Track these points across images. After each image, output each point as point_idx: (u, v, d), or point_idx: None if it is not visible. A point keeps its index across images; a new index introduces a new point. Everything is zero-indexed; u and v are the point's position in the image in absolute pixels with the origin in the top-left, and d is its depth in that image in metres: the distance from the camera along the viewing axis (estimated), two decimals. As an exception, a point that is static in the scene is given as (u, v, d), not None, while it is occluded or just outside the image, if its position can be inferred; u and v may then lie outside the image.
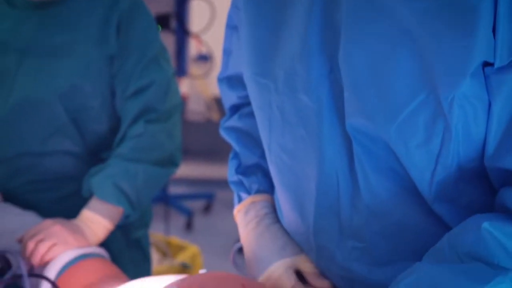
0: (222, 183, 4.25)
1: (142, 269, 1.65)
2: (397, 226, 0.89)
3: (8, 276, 1.22)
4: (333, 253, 0.95)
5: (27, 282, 1.19)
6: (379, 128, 0.80)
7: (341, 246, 0.93)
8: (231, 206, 1.23)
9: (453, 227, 0.83)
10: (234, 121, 1.19)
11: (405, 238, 0.89)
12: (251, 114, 1.09)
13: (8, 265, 1.28)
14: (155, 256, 2.28)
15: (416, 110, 0.77)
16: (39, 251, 1.27)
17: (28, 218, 1.45)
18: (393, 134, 0.79)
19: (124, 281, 1.23)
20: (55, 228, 1.31)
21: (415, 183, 0.83)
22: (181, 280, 0.98)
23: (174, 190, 4.06)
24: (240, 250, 1.16)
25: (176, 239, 2.48)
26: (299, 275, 1.03)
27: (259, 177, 1.16)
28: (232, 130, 1.19)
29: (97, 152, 1.55)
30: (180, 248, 2.38)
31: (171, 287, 0.93)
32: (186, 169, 3.44)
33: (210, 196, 4.18)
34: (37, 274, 1.24)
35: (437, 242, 0.82)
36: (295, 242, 1.04)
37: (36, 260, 1.27)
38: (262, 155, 1.11)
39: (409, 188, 0.85)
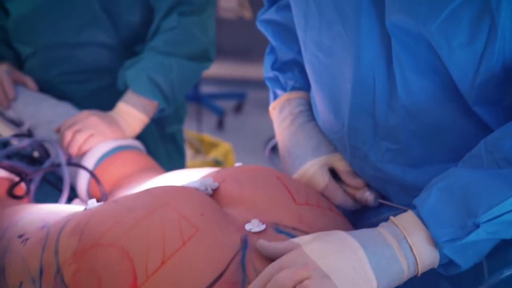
0: (254, 83, 4.24)
1: (177, 163, 1.68)
2: (433, 127, 0.87)
3: (47, 164, 1.25)
4: (367, 154, 0.94)
5: (66, 170, 1.21)
6: (421, 25, 0.77)
7: (375, 147, 0.93)
8: (262, 106, 1.22)
9: (492, 129, 0.81)
10: (271, 14, 1.15)
11: (442, 139, 0.88)
12: (290, 6, 1.06)
13: (46, 154, 1.31)
14: (188, 152, 2.31)
15: (461, 5, 0.73)
16: (76, 141, 1.29)
17: (63, 108, 1.47)
18: (436, 31, 0.76)
19: (160, 173, 1.25)
20: (92, 119, 1.32)
21: (456, 83, 0.80)
22: (216, 172, 0.99)
23: (206, 89, 4.07)
24: (275, 147, 1.16)
25: (208, 136, 2.51)
26: (333, 174, 1.03)
27: (295, 73, 1.14)
28: (269, 23, 1.16)
29: (131, 45, 1.54)
30: (212, 145, 2.41)
31: (207, 179, 0.95)
32: (218, 68, 3.42)
33: (242, 96, 4.18)
34: (75, 163, 1.26)
35: (474, 144, 0.80)
36: (330, 141, 1.04)
37: (73, 150, 1.30)
38: (299, 51, 1.08)
39: (449, 89, 0.82)
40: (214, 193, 0.93)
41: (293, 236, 0.84)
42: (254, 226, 0.84)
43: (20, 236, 0.91)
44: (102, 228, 0.80)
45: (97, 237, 0.79)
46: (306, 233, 0.85)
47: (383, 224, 0.79)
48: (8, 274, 0.88)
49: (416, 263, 0.76)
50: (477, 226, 0.73)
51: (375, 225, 0.99)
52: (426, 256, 0.76)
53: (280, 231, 0.85)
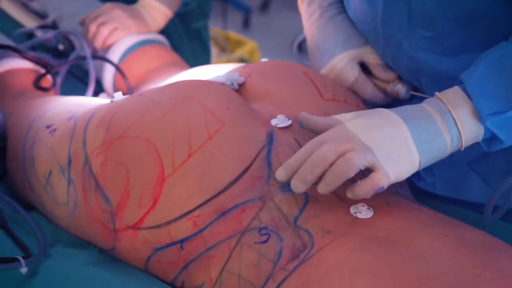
0: (281, -20, 4.10)
1: (202, 61, 1.66)
2: (472, 13, 0.83)
3: (72, 57, 1.24)
4: (401, 42, 0.91)
5: (91, 63, 1.21)
6: None
7: (409, 35, 0.89)
8: (289, 5, 1.18)
9: None
10: None
11: (479, 26, 0.84)
12: None
13: (71, 47, 1.30)
14: (213, 50, 2.28)
15: None
16: (101, 33, 1.27)
17: (87, 1, 1.44)
18: None
19: (185, 69, 1.25)
20: (116, 12, 1.30)
21: None
22: (242, 67, 0.97)
23: (231, -14, 3.96)
24: (303, 44, 1.13)
25: (234, 34, 2.47)
26: (364, 67, 1.01)
27: (324, -36, 1.09)
28: None
29: None
30: (238, 43, 2.37)
31: (233, 73, 0.93)
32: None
33: (268, -6, 4.07)
34: (100, 56, 1.26)
35: None
36: (360, 33, 1.01)
37: (98, 42, 1.28)
38: None
39: None
40: (240, 88, 0.92)
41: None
42: (280, 121, 0.83)
43: (48, 127, 0.92)
44: (128, 120, 0.80)
45: (124, 129, 0.80)
46: None
47: (427, 100, 0.78)
48: (37, 163, 0.90)
49: (460, 137, 0.75)
50: None
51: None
52: (469, 129, 0.75)
53: (305, 127, 0.84)
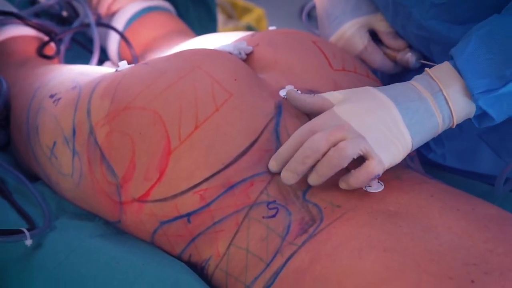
0: None
1: (208, 28, 1.63)
2: None
3: (76, 24, 1.21)
4: (410, 10, 0.88)
5: (95, 30, 1.18)
6: None
7: (419, 3, 0.87)
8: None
9: None
10: None
11: None
12: None
13: (75, 14, 1.28)
14: (220, 17, 2.24)
15: None
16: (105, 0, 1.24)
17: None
18: None
19: (191, 37, 1.22)
20: (120, -22, 1.27)
21: None
22: (250, 35, 0.95)
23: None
24: (313, 10, 1.11)
25: (241, 1, 2.42)
26: (373, 36, 0.98)
27: None
28: None
29: None
30: (245, 10, 2.33)
31: (240, 42, 0.91)
32: None
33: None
34: (105, 23, 1.23)
35: None
36: (370, 0, 0.98)
37: (102, 9, 1.26)
38: None
39: None
40: (247, 58, 0.90)
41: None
42: (288, 92, 0.81)
43: (51, 96, 0.90)
44: (133, 91, 0.78)
45: (129, 100, 0.78)
46: None
47: (417, 77, 0.77)
48: (41, 133, 0.88)
49: (452, 115, 0.74)
50: None
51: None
52: (461, 107, 0.74)
53: (315, 98, 0.82)
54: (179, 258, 0.77)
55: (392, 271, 0.61)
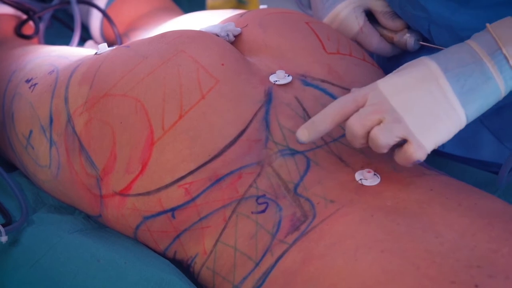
0: None
1: (197, 3, 1.57)
2: None
3: (56, 1, 1.16)
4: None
5: (76, 8, 1.13)
6: None
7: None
8: None
9: None
10: None
11: None
12: None
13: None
14: (209, -10, 2.18)
15: None
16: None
17: None
18: None
19: (177, 14, 1.17)
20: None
21: None
22: (239, 15, 0.90)
23: None
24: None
25: (231, -27, 2.36)
26: (369, 16, 0.93)
27: None
28: None
29: None
30: (235, -17, 2.27)
31: (228, 23, 0.86)
32: None
33: None
34: (86, 1, 1.18)
35: None
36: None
37: (84, -15, 1.20)
38: None
39: None
40: (236, 40, 0.85)
41: (322, 90, 0.77)
42: (279, 78, 0.77)
43: (28, 81, 0.85)
44: (114, 76, 0.74)
45: (109, 86, 0.73)
46: (336, 85, 0.78)
47: (476, 34, 0.70)
48: (17, 121, 0.84)
49: None
50: None
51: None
52: None
53: (307, 84, 0.77)
54: (163, 255, 0.73)
55: (390, 274, 0.58)
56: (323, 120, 0.67)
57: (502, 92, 0.68)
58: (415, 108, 0.65)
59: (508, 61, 0.67)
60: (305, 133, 0.67)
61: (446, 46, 0.84)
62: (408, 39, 0.90)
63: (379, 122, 0.65)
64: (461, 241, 0.60)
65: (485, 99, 0.67)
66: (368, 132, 0.66)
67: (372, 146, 0.66)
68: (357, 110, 0.67)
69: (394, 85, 0.66)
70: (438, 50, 0.86)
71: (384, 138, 0.64)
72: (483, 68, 0.67)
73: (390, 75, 0.68)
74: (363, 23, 0.91)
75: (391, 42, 0.93)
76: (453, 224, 0.62)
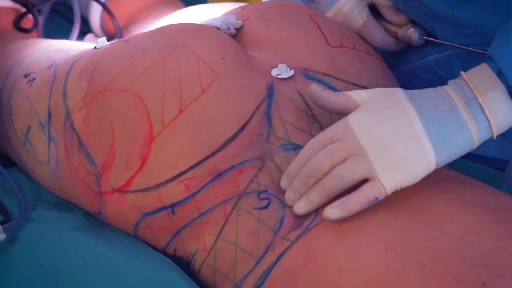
0: None
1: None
2: None
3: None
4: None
5: (75, 1, 1.12)
6: None
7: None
8: None
9: None
10: None
11: None
12: None
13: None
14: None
15: None
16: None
17: None
18: None
19: (178, 8, 1.16)
20: None
21: None
22: (241, 8, 0.88)
23: None
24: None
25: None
26: (373, 10, 0.92)
27: None
28: None
29: None
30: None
31: (230, 16, 0.84)
32: None
33: None
34: (86, -6, 1.16)
35: None
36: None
37: (84, -22, 1.19)
38: None
39: None
40: (237, 33, 0.83)
41: (325, 83, 0.75)
42: (281, 71, 0.75)
43: (26, 75, 0.84)
44: (113, 71, 0.73)
45: (108, 81, 0.72)
46: (339, 79, 0.77)
47: (451, 81, 0.68)
48: (15, 117, 0.82)
49: (490, 126, 0.65)
50: None
51: (417, 68, 0.90)
52: (503, 116, 0.66)
53: (310, 78, 0.76)
54: (163, 251, 0.72)
55: (394, 272, 0.57)
56: (296, 166, 0.66)
57: (476, 142, 0.66)
58: (385, 147, 0.63)
59: (483, 111, 0.65)
60: (285, 182, 0.67)
61: (450, 42, 0.84)
62: (413, 34, 0.89)
63: (345, 159, 0.63)
64: (466, 238, 0.59)
65: (458, 148, 0.65)
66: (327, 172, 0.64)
67: (333, 182, 0.64)
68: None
69: (365, 121, 0.64)
70: (442, 45, 0.86)
71: (348, 175, 0.63)
72: (458, 116, 0.65)
73: (361, 110, 0.66)
74: (366, 18, 0.90)
75: (394, 36, 0.91)
76: (459, 220, 0.61)
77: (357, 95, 0.67)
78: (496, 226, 0.60)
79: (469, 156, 0.91)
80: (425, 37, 0.89)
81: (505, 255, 0.57)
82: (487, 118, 0.65)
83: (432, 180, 0.66)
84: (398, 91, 0.67)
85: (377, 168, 0.62)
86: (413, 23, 0.90)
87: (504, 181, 0.78)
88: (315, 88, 0.69)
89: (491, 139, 0.67)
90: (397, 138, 0.63)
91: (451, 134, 0.64)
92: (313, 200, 0.65)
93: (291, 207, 0.67)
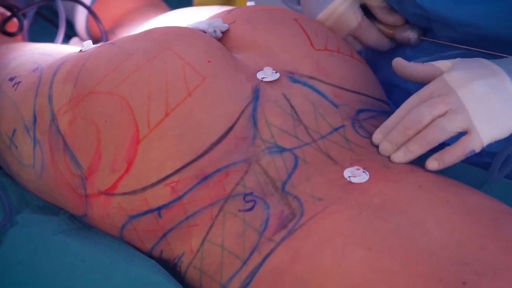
0: None
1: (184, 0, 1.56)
2: None
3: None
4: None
5: (60, 5, 1.12)
6: None
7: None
8: None
9: None
10: None
11: None
12: None
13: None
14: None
15: None
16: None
17: None
18: None
19: (164, 11, 1.17)
20: None
21: None
22: (227, 12, 0.89)
23: None
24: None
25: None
26: (366, 11, 0.92)
27: None
28: None
29: None
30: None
31: (215, 20, 0.85)
32: None
33: None
34: (71, -3, 1.16)
35: None
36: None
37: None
38: None
39: None
40: (223, 37, 0.84)
41: (310, 87, 0.76)
42: (267, 74, 0.76)
43: (11, 79, 0.84)
44: (98, 74, 0.73)
45: (94, 84, 0.72)
46: (324, 82, 0.77)
47: None
48: (1, 120, 0.82)
49: None
50: None
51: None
52: None
53: (295, 81, 0.77)
54: (149, 254, 0.72)
55: (378, 273, 0.57)
56: (393, 122, 0.70)
57: None
58: (481, 101, 0.68)
59: None
60: (379, 136, 0.72)
61: (448, 41, 0.86)
62: (411, 35, 0.90)
63: (445, 113, 0.68)
64: (449, 238, 0.59)
65: None
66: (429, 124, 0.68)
67: (434, 133, 0.68)
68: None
69: (461, 77, 0.69)
70: (440, 45, 0.87)
71: (448, 127, 0.67)
72: None
73: (455, 69, 0.70)
74: (361, 19, 0.90)
75: (389, 36, 0.92)
76: (441, 221, 0.61)
77: (442, 63, 0.72)
78: (478, 226, 0.61)
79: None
80: (423, 38, 0.90)
81: (486, 254, 0.57)
82: None
83: (416, 183, 0.67)
84: (481, 58, 0.72)
85: (475, 120, 0.67)
86: (408, 22, 0.90)
87: (490, 178, 0.80)
88: (400, 60, 0.74)
89: None
90: (493, 93, 0.68)
91: None
92: (413, 150, 0.69)
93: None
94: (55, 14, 1.21)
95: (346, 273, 0.58)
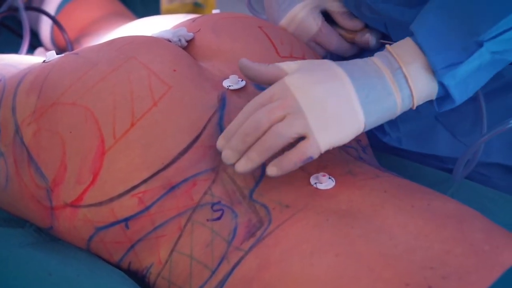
0: None
1: (151, 7, 1.56)
2: None
3: (3, 8, 1.13)
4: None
5: (24, 15, 1.10)
6: None
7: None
8: None
9: None
10: None
11: None
12: None
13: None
14: (164, -6, 2.16)
15: None
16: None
17: None
18: None
19: (130, 20, 1.16)
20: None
21: None
22: (192, 20, 0.89)
23: None
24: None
25: (187, -23, 2.34)
26: (326, 17, 0.93)
27: None
28: None
29: None
30: (191, -13, 2.25)
31: (180, 28, 0.85)
32: None
33: None
34: (35, 7, 1.15)
35: None
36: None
37: (33, -9, 1.18)
38: None
39: None
40: (188, 45, 0.84)
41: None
42: (232, 82, 0.76)
43: (-26, 91, 0.82)
44: (62, 85, 0.72)
45: (58, 95, 0.72)
46: None
47: (377, 53, 0.72)
48: (-37, 132, 0.81)
49: (412, 95, 0.70)
50: (480, 45, 0.68)
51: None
52: (422, 87, 0.70)
53: (260, 88, 0.77)
54: (118, 266, 0.72)
55: (346, 278, 0.58)
56: (235, 127, 0.67)
57: (398, 110, 0.70)
58: (319, 105, 0.65)
59: (406, 80, 0.69)
60: (222, 142, 0.67)
61: None
62: (370, 38, 0.91)
63: (283, 118, 0.65)
64: (414, 242, 0.60)
65: (383, 113, 0.69)
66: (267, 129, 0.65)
67: (271, 139, 0.65)
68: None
69: (300, 81, 0.67)
70: None
71: (285, 133, 0.64)
72: (385, 83, 0.68)
73: (296, 72, 0.68)
74: (321, 24, 0.91)
75: (350, 41, 0.93)
76: (407, 225, 0.62)
77: (287, 65, 0.69)
78: (443, 230, 0.62)
79: (422, 156, 0.94)
80: (382, 41, 0.91)
81: (451, 257, 0.58)
82: (409, 87, 0.69)
83: (381, 188, 0.68)
84: (327, 60, 0.70)
85: (313, 125, 0.64)
86: (367, 27, 0.92)
87: (454, 178, 0.81)
88: (245, 61, 0.70)
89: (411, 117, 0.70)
90: (331, 98, 0.66)
91: (379, 98, 0.68)
92: (253, 158, 0.65)
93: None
94: (19, 24, 1.19)
95: (314, 280, 0.59)
